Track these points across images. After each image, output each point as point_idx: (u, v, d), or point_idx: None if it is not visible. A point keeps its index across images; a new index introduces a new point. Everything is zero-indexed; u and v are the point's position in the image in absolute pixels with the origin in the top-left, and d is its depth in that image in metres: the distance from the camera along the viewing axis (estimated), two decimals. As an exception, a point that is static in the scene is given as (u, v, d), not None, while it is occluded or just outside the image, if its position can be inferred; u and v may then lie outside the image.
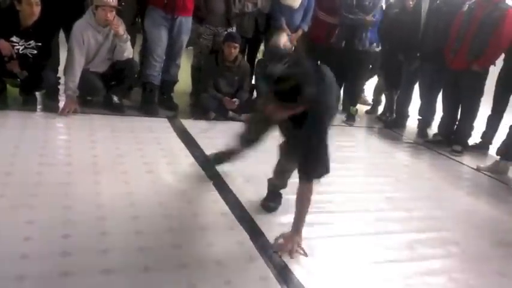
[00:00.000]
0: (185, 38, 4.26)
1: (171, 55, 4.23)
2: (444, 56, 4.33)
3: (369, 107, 5.69)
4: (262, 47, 5.18)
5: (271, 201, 2.60)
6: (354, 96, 5.12)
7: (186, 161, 3.13)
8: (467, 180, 3.73)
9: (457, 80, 4.27)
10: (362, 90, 5.85)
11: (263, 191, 2.65)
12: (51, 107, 3.71)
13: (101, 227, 2.12)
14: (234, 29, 4.53)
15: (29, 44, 3.54)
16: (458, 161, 4.13)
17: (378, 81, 5.57)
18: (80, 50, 3.68)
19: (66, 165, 2.74)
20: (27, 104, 3.67)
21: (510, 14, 3.99)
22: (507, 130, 3.90)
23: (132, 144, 3.24)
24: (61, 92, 3.91)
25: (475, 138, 4.50)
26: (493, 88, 4.29)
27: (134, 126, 3.66)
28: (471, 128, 4.39)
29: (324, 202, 2.80)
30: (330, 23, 4.94)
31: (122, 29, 3.77)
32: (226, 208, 2.52)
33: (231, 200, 2.63)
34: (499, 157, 3.93)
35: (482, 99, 4.29)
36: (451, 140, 4.44)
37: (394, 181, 3.40)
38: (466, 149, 4.36)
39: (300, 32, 4.77)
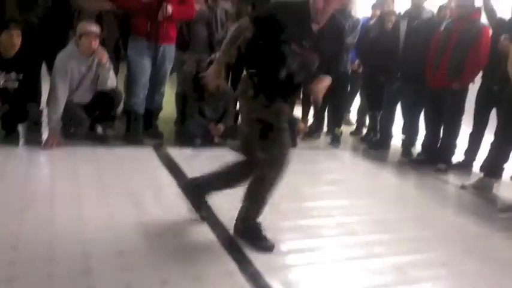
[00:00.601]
0: (169, 66, 4.28)
1: (155, 83, 4.24)
2: (424, 75, 4.42)
3: (353, 128, 5.74)
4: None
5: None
6: (338, 117, 5.17)
7: (172, 190, 3.10)
8: (453, 199, 3.76)
9: (437, 99, 4.34)
10: (348, 111, 5.92)
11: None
12: (34, 140, 3.67)
13: (86, 263, 2.07)
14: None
15: (10, 77, 3.51)
16: (443, 180, 4.17)
17: (361, 103, 5.64)
18: (63, 81, 3.67)
19: (49, 199, 2.69)
20: (9, 138, 3.62)
21: (486, 31, 4.11)
22: (489, 147, 3.96)
23: (117, 175, 3.21)
24: (44, 124, 3.88)
25: (458, 156, 4.55)
26: (473, 106, 4.36)
27: (119, 156, 3.64)
28: (454, 146, 4.44)
29: (312, 227, 2.80)
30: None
31: (105, 57, 3.78)
32: (213, 237, 2.49)
33: (217, 228, 2.60)
34: (482, 174, 3.98)
35: (464, 117, 4.36)
36: (435, 158, 4.48)
37: (381, 202, 3.41)
38: (450, 167, 4.40)
39: (282, 57, 4.82)
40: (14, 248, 2.13)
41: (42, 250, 2.14)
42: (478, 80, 4.29)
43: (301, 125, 4.76)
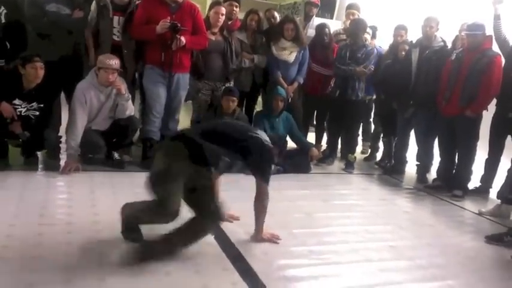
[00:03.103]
0: (183, 94, 4.36)
1: (170, 111, 4.31)
2: (437, 103, 4.43)
3: (366, 154, 5.73)
4: (259, 100, 5.32)
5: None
6: (351, 143, 5.18)
7: (188, 215, 3.11)
8: (469, 226, 3.70)
9: (451, 126, 4.33)
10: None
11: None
12: (52, 165, 3.75)
13: None
14: (231, 84, 4.66)
15: (32, 106, 3.63)
16: (459, 206, 4.12)
17: (375, 128, 5.65)
18: (83, 109, 3.77)
19: (67, 224, 2.74)
20: (28, 163, 3.71)
21: (498, 60, 4.09)
22: (506, 173, 3.92)
23: (133, 200, 3.23)
24: (62, 150, 3.97)
25: (474, 182, 4.51)
26: (488, 132, 4.34)
27: (135, 182, 3.66)
28: (470, 172, 4.41)
29: (327, 253, 2.79)
30: (323, 74, 5.12)
31: (123, 88, 3.88)
32: (229, 264, 2.50)
33: (233, 254, 2.61)
34: (499, 201, 3.93)
35: (480, 142, 4.33)
36: (451, 184, 4.44)
37: (396, 229, 3.38)
38: (467, 193, 4.35)
39: (295, 85, 4.91)
40: (32, 271, 2.17)
41: (59, 274, 2.17)
42: (492, 106, 4.28)
43: (315, 151, 4.77)
